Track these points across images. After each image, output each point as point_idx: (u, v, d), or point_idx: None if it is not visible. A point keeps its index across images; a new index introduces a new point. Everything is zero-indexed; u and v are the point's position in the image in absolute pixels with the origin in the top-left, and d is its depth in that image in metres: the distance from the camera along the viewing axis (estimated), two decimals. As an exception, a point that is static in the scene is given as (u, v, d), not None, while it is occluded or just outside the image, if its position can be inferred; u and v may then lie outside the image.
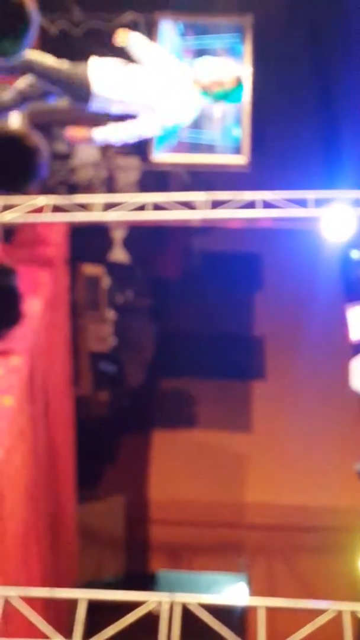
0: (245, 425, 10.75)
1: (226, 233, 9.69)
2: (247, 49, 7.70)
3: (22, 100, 6.25)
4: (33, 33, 3.40)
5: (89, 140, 6.51)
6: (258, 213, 7.10)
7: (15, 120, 6.85)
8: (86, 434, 9.52)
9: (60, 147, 7.58)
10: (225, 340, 11.08)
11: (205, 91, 6.28)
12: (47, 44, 7.38)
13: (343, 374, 7.78)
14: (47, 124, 7.28)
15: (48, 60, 6.09)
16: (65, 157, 7.70)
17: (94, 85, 6.17)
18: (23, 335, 6.71)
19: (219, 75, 6.27)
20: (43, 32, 7.13)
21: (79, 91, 6.23)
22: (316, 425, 10.34)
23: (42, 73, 6.04)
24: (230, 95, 6.39)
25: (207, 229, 9.50)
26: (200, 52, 7.87)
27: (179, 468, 10.37)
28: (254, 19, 7.66)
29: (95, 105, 6.35)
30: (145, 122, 6.31)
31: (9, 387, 6.27)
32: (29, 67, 6.00)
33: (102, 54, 8.60)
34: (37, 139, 3.61)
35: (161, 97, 6.26)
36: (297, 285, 10.51)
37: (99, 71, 6.21)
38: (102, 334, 9.31)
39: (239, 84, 6.33)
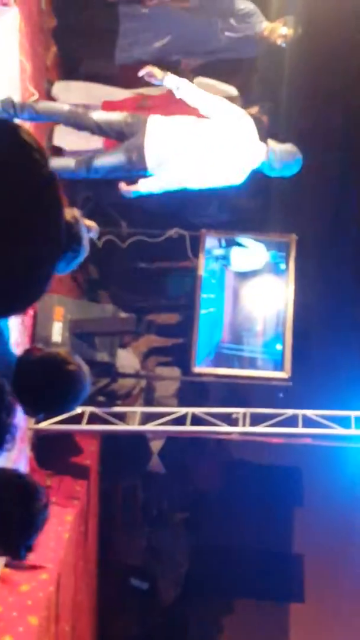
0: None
1: (266, 444, 9.57)
2: (290, 266, 7.81)
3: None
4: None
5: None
6: (298, 430, 7.01)
7: (57, 332, 6.93)
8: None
9: (101, 357, 7.59)
10: (263, 557, 10.74)
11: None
12: (94, 255, 7.51)
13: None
14: (89, 333, 7.33)
15: None
16: (106, 366, 7.70)
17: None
18: (53, 548, 6.52)
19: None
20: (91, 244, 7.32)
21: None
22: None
23: None
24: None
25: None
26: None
27: None
28: (298, 238, 7.80)
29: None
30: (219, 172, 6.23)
31: (35, 605, 6.00)
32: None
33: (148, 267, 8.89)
34: (79, 363, 3.62)
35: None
36: (338, 502, 10.25)
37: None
38: (136, 547, 9.03)
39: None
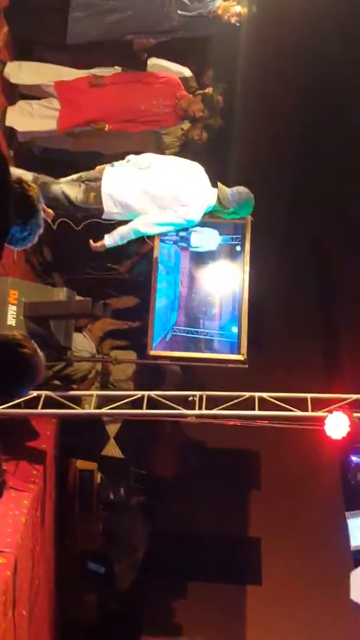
0: (240, 633, 10.24)
1: (223, 427, 9.57)
2: (246, 248, 7.77)
3: None
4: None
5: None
6: (255, 412, 7.01)
7: (11, 315, 6.86)
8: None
9: (57, 340, 7.50)
10: (220, 541, 10.74)
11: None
12: (48, 237, 7.47)
13: (342, 584, 7.47)
14: (43, 317, 7.25)
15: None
16: (61, 349, 7.62)
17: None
18: (10, 533, 6.48)
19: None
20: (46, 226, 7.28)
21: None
22: (314, 636, 9.85)
23: None
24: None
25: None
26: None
27: None
28: (254, 219, 7.76)
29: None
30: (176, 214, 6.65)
31: (-9, 590, 5.96)
32: None
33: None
34: (34, 346, 3.59)
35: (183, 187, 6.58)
36: (295, 486, 10.30)
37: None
38: (92, 532, 8.98)
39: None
